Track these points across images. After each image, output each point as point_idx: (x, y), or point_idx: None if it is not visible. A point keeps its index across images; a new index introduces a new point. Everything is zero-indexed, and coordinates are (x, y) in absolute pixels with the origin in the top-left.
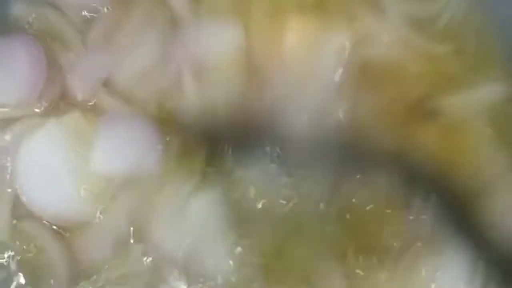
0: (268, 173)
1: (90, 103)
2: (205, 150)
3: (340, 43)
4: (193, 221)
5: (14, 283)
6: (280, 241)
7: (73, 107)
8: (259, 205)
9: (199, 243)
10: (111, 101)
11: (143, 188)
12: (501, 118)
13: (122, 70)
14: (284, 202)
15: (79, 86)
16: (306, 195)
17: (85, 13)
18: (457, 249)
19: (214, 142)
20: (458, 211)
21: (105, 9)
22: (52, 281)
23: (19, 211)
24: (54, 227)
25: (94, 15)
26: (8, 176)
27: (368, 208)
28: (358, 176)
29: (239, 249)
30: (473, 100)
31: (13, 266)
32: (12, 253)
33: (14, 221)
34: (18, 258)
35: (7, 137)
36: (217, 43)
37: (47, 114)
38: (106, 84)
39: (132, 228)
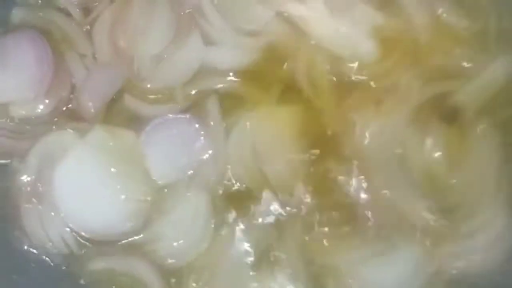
0: None
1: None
2: None
3: None
4: None
5: None
6: None
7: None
8: None
9: None
10: (136, 104)
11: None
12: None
13: (140, 61)
14: None
15: (90, 101)
16: None
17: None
18: None
19: None
20: None
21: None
22: None
23: None
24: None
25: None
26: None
27: None
28: None
29: None
30: (485, 85)
31: None
32: None
33: None
34: None
35: (33, 160)
36: None
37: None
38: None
39: None
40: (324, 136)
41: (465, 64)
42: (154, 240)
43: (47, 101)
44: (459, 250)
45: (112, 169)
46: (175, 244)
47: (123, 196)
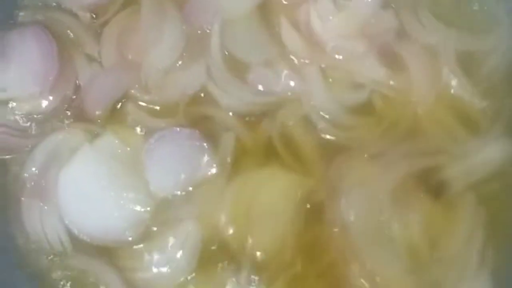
0: None
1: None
2: None
3: None
4: None
5: None
6: None
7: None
8: None
9: None
10: (141, 115)
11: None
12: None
13: (147, 72)
14: None
15: (95, 102)
16: None
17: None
18: None
19: None
20: None
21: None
22: None
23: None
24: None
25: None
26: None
27: None
28: None
29: None
30: (477, 166)
31: None
32: None
33: None
34: None
35: (40, 156)
36: None
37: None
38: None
39: None
40: (310, 202)
41: (461, 141)
42: (136, 258)
43: (51, 97)
44: None
45: (117, 177)
46: (154, 270)
47: (124, 204)
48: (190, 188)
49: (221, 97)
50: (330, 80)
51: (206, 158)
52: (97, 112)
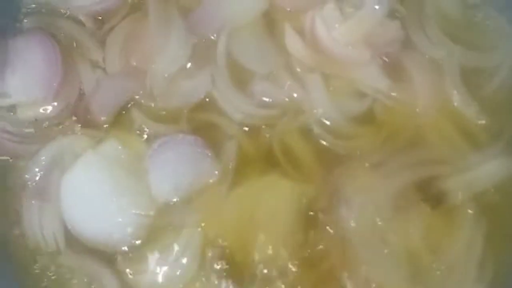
0: None
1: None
2: None
3: None
4: None
5: None
6: None
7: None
8: None
9: None
10: (145, 121)
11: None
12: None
13: (152, 79)
14: None
15: (99, 108)
16: None
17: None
18: None
19: None
20: None
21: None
22: None
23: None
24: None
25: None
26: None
27: None
28: None
29: None
30: (478, 180)
31: None
32: None
33: None
34: None
35: (44, 158)
36: None
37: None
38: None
39: None
40: (311, 210)
41: (462, 153)
42: (138, 263)
43: (55, 103)
44: None
45: (120, 182)
46: (155, 274)
47: (127, 209)
48: (192, 195)
49: (225, 106)
50: (331, 88)
51: (208, 165)
52: (102, 118)
